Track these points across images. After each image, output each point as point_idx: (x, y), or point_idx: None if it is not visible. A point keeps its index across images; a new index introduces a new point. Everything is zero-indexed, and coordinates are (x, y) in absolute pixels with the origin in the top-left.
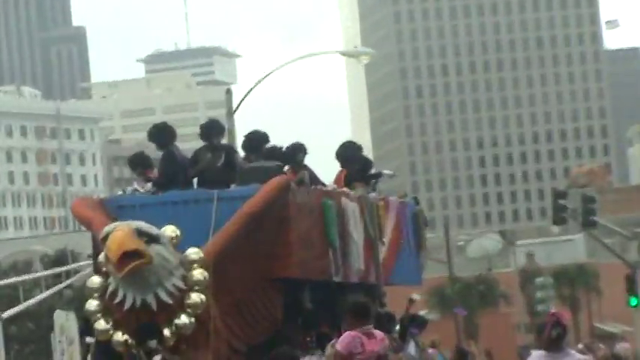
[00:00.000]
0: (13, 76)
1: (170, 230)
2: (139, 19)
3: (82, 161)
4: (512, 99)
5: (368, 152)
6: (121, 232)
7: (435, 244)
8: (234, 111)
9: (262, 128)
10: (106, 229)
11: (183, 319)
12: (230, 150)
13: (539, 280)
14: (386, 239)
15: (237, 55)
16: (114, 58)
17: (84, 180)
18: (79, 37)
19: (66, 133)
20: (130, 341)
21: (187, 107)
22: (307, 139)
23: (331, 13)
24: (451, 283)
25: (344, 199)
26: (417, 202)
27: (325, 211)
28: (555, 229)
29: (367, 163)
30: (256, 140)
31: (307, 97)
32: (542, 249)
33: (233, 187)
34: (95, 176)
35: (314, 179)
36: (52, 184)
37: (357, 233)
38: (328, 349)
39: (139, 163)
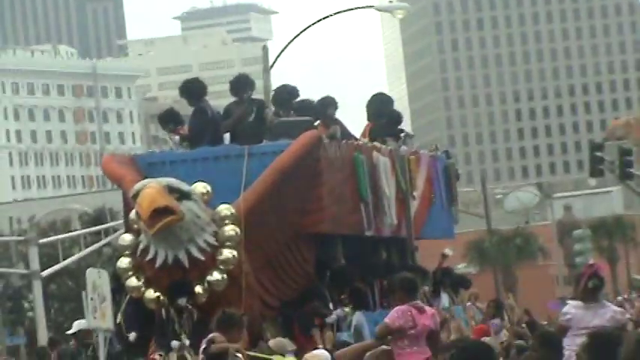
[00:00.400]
0: (49, 35)
1: (201, 186)
2: None
3: (119, 119)
4: (547, 52)
5: (404, 107)
6: (151, 189)
7: (472, 198)
8: (270, 67)
9: (298, 84)
10: (137, 186)
11: (216, 275)
12: (261, 105)
13: (576, 232)
14: (417, 193)
15: (273, 12)
16: (150, 16)
17: (121, 138)
18: None
19: (103, 91)
20: (161, 298)
21: (223, 64)
22: (343, 94)
23: None
24: (489, 236)
25: (375, 154)
26: (448, 155)
27: (357, 165)
28: (592, 181)
29: (396, 117)
30: (285, 94)
31: (343, 53)
32: (580, 201)
33: (264, 142)
34: (132, 134)
35: (345, 134)
36: (89, 143)
37: (388, 187)
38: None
39: (169, 119)
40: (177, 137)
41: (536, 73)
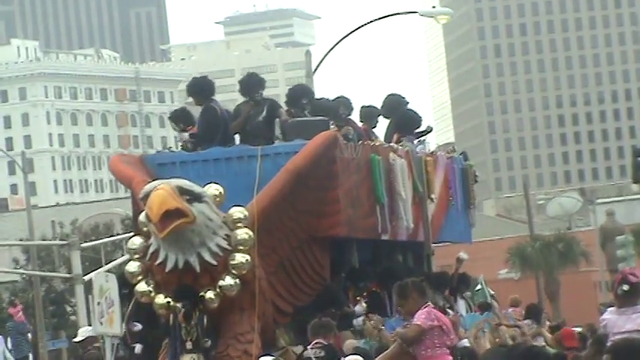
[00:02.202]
0: (92, 40)
1: (213, 188)
2: None
3: (161, 123)
4: (590, 58)
5: (446, 112)
6: (162, 191)
7: (514, 203)
8: (313, 72)
9: (340, 89)
10: (147, 187)
11: (228, 280)
12: (272, 104)
13: (619, 238)
14: (435, 196)
15: (316, 17)
16: (193, 21)
17: (164, 142)
18: (157, 0)
19: (145, 95)
20: (171, 304)
21: (266, 69)
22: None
23: None
24: (531, 242)
25: (392, 155)
26: (465, 157)
27: (373, 167)
28: (635, 187)
29: (409, 118)
30: (297, 93)
31: (385, 58)
32: (622, 207)
33: (277, 143)
34: (175, 138)
35: (359, 135)
36: (132, 147)
37: (405, 190)
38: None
39: (181, 119)
40: (186, 135)
41: (579, 79)
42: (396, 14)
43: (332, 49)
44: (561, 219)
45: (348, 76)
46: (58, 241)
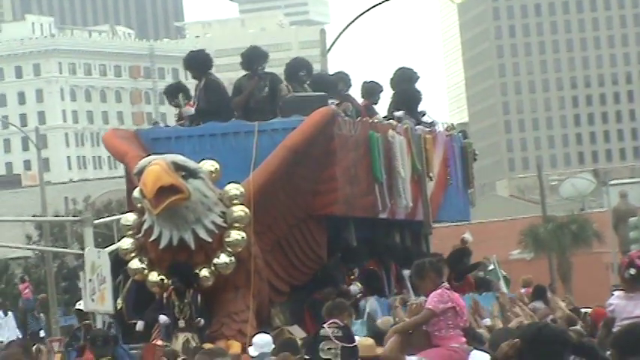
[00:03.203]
0: (107, 16)
1: (209, 164)
2: None
3: None
4: (604, 39)
5: (461, 92)
6: (156, 166)
7: (528, 184)
8: (328, 51)
9: (354, 68)
10: (141, 163)
11: (223, 258)
12: (274, 79)
13: (632, 220)
14: (433, 174)
15: None
16: None
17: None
18: None
19: (160, 72)
20: (165, 281)
21: (281, 47)
22: None
23: None
24: (544, 222)
25: (391, 132)
26: (465, 135)
27: (371, 144)
28: None
29: (410, 95)
30: (294, 67)
31: (400, 37)
32: (636, 189)
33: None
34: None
35: (358, 112)
36: (146, 124)
37: (404, 168)
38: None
39: (178, 91)
40: (191, 110)
41: (593, 60)
42: None
43: (347, 27)
44: (574, 200)
45: (363, 55)
46: (70, 218)
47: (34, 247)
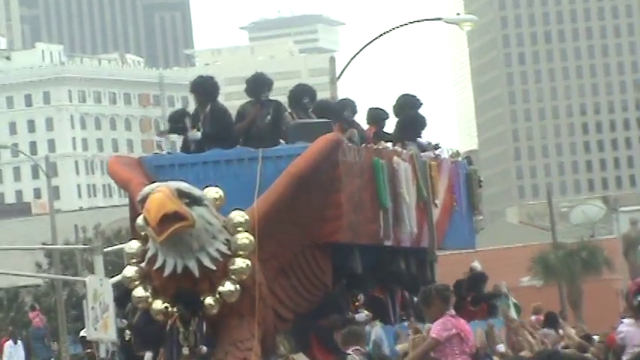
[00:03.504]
0: (116, 44)
1: (213, 191)
2: None
3: None
4: (614, 65)
5: (470, 119)
6: (160, 194)
7: (538, 210)
8: (338, 78)
9: (364, 96)
10: (145, 190)
11: (228, 286)
12: (278, 106)
13: None
14: (439, 201)
15: (341, 23)
16: (217, 26)
17: None
18: (182, 4)
19: (169, 100)
20: (170, 309)
21: (291, 75)
22: None
23: None
24: (554, 249)
25: (396, 159)
26: (470, 162)
27: (376, 171)
28: None
29: (414, 122)
30: (298, 93)
31: (410, 65)
32: None
33: (280, 145)
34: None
35: (363, 138)
36: (156, 152)
37: (409, 195)
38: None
39: (182, 119)
40: (198, 134)
41: (603, 87)
42: (420, 21)
43: (356, 55)
44: (584, 227)
45: (373, 82)
46: (80, 246)
47: (43, 275)
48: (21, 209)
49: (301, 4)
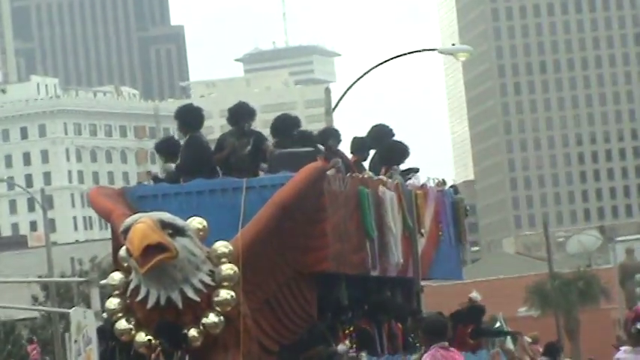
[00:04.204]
0: (111, 77)
1: (196, 222)
2: (236, 18)
3: None
4: (610, 95)
5: (466, 150)
6: (143, 224)
7: (534, 241)
8: (333, 109)
9: (360, 126)
10: (127, 221)
11: (212, 317)
12: (259, 136)
13: (638, 276)
14: (425, 230)
15: (336, 54)
16: (212, 58)
17: None
18: (177, 37)
19: (165, 132)
20: (153, 342)
21: (286, 106)
22: (405, 136)
23: (429, 11)
24: (551, 280)
25: (381, 188)
26: (456, 191)
27: (362, 200)
28: None
29: (396, 149)
30: (285, 123)
31: (405, 95)
32: None
33: (262, 174)
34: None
35: (348, 167)
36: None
37: (395, 224)
38: None
39: (166, 149)
40: (172, 165)
41: (599, 117)
42: (416, 52)
43: (352, 86)
44: (581, 257)
45: (368, 113)
46: (77, 278)
47: (40, 307)
48: (17, 242)
49: (296, 35)
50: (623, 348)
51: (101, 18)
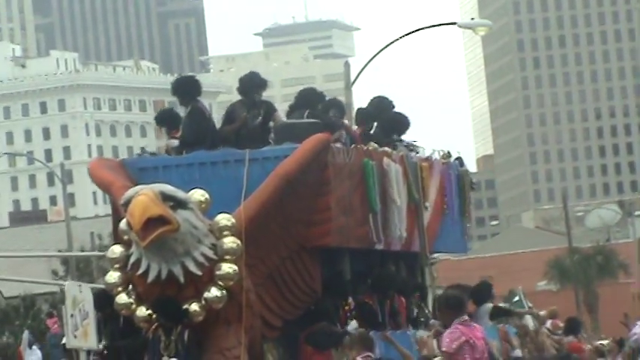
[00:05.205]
0: (131, 51)
1: (198, 194)
2: None
3: None
4: (629, 69)
5: (485, 124)
6: (144, 197)
7: (553, 215)
8: (352, 84)
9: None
10: (128, 193)
11: (214, 291)
12: (269, 106)
13: None
14: (429, 204)
15: (356, 28)
16: (231, 32)
17: None
18: (196, 11)
19: None
20: (154, 317)
21: (305, 81)
22: (425, 111)
23: None
24: (570, 254)
25: (386, 160)
26: (461, 163)
27: (366, 173)
28: None
29: (397, 121)
30: (306, 96)
31: (425, 69)
32: None
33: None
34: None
35: (353, 139)
36: None
37: (400, 197)
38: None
39: (166, 121)
40: (175, 142)
41: (618, 91)
42: (435, 26)
43: (371, 60)
44: (600, 231)
45: (387, 87)
46: (96, 253)
47: (59, 282)
48: (37, 217)
49: (315, 9)
50: (639, 322)
51: None
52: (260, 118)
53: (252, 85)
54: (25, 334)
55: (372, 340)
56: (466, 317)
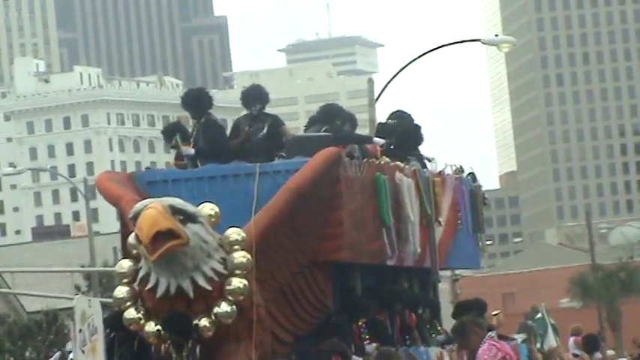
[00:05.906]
0: (154, 67)
1: (208, 208)
2: (280, 8)
3: None
4: None
5: (509, 141)
6: (153, 210)
7: (576, 232)
8: (376, 101)
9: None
10: (137, 207)
11: (224, 307)
12: (275, 121)
13: None
14: (442, 219)
15: (379, 45)
16: (255, 48)
17: None
18: (220, 27)
19: None
20: (162, 332)
21: (329, 97)
22: (448, 127)
23: (472, 1)
24: (593, 271)
25: (399, 174)
26: (474, 178)
27: (379, 187)
28: None
29: (411, 135)
30: (326, 111)
31: (448, 86)
32: None
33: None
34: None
35: (365, 154)
36: None
37: (412, 212)
38: None
39: (176, 131)
40: (191, 150)
41: None
42: (459, 42)
43: (394, 76)
44: (623, 248)
45: (411, 104)
46: None
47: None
48: (60, 232)
49: (339, 26)
50: None
51: (144, 8)
52: (264, 131)
53: (250, 97)
54: (57, 355)
55: (396, 358)
56: (494, 333)
